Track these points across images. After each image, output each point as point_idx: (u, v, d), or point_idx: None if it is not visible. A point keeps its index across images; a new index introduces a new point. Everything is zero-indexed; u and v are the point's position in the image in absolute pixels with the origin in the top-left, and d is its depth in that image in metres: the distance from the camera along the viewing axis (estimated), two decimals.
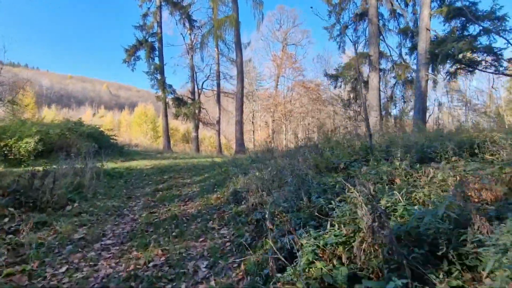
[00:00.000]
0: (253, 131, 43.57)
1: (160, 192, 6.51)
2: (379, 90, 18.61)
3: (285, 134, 40.61)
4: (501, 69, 14.04)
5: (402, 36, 18.97)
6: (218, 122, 26.97)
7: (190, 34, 26.32)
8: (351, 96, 20.04)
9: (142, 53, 23.42)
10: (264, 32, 42.73)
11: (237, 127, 21.79)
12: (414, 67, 18.50)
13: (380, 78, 18.57)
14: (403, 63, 19.47)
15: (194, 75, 26.47)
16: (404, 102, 20.77)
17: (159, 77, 23.05)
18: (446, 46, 12.27)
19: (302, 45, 43.08)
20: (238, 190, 5.38)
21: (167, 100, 23.39)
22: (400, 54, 20.02)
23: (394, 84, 20.37)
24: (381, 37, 19.35)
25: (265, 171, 5.76)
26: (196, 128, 25.81)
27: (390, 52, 19.78)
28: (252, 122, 43.64)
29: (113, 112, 61.27)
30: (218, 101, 27.24)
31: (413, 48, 16.87)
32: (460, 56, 12.90)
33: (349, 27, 19.90)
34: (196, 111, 25.12)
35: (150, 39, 23.21)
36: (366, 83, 20.13)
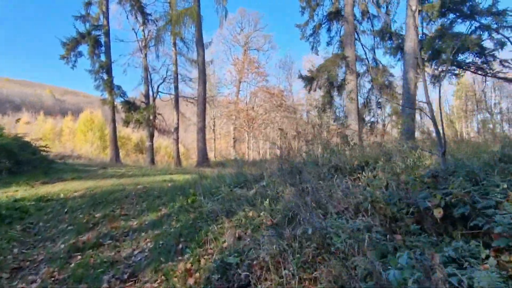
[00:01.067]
0: (214, 139, 40.60)
1: (80, 256, 3.63)
2: (357, 94, 16.96)
3: (247, 142, 38.23)
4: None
5: (379, 38, 17.56)
6: (176, 129, 23.79)
7: (143, 30, 23.05)
8: (326, 101, 18.18)
9: (84, 48, 19.76)
10: (225, 34, 40.34)
11: (199, 135, 18.93)
12: (392, 70, 17.17)
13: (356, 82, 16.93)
14: (379, 66, 18.07)
15: (148, 76, 23.16)
16: (380, 108, 19.38)
17: (105, 76, 19.50)
18: (445, 43, 10.68)
19: (264, 50, 41.34)
20: (228, 262, 2.73)
21: (115, 103, 19.86)
22: (374, 58, 18.68)
23: (370, 89, 18.89)
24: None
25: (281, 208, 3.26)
26: (151, 136, 22.44)
27: (366, 54, 18.31)
28: (213, 129, 40.69)
29: (55, 119, 54.67)
30: (176, 106, 24.12)
31: (397, 49, 15.38)
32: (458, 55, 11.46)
33: (322, 26, 18.12)
34: (151, 117, 21.80)
35: (94, 33, 19.62)
36: (340, 87, 18.47)
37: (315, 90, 17.54)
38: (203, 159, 18.69)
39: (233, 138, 40.47)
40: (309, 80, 16.84)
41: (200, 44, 19.17)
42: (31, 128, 47.73)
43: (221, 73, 42.68)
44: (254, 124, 37.68)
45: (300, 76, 16.80)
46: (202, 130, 18.95)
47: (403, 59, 13.11)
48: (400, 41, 15.90)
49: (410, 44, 12.68)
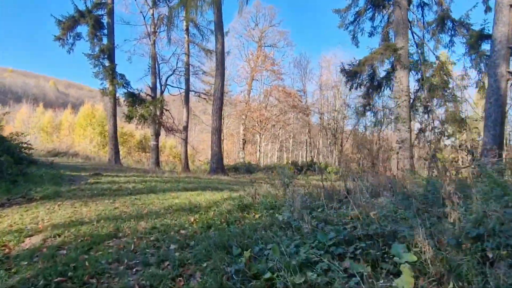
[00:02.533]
0: (222, 140, 37.45)
1: None
2: (409, 95, 13.89)
3: (259, 145, 35.13)
4: None
5: (437, 27, 14.47)
6: (186, 128, 20.76)
7: (152, 14, 20.02)
8: (366, 103, 15.09)
9: (84, 30, 16.76)
10: (238, 29, 37.24)
11: (214, 137, 15.86)
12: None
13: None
14: (434, 62, 14.97)
15: (157, 66, 20.12)
16: (428, 112, 16.25)
17: (106, 63, 16.48)
18: None
19: (279, 47, 38.17)
20: None
21: (117, 95, 16.82)
22: (430, 52, 15.55)
23: (417, 90, 15.77)
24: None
25: None
26: (157, 135, 19.39)
27: (416, 47, 15.17)
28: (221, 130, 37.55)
29: (55, 112, 51.74)
30: (187, 102, 21.09)
31: (480, 37, 12.23)
32: None
33: (367, 12, 15.04)
34: (158, 113, 18.77)
35: (96, 12, 16.60)
36: (378, 86, 15.41)
37: (358, 88, 14.42)
38: (218, 165, 15.61)
39: (243, 140, 37.33)
40: (351, 75, 13.77)
41: (220, 30, 16.12)
42: (30, 121, 44.80)
43: (233, 70, 39.71)
44: (267, 125, 34.62)
45: (343, 70, 13.70)
46: (217, 131, 15.88)
47: (491, 49, 9.99)
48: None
49: (503, 29, 9.60)
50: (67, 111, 39.95)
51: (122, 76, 16.54)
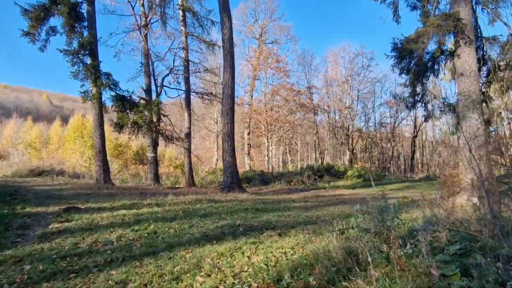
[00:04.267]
0: (217, 149, 33.70)
1: None
2: (478, 77, 10.64)
3: (267, 149, 31.76)
4: None
5: None
6: (188, 135, 17.39)
7: (142, 3, 16.72)
8: (415, 92, 11.81)
9: (59, 22, 13.38)
10: (237, 25, 34.00)
11: (225, 144, 12.51)
12: None
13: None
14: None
15: (150, 65, 16.78)
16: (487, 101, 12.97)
17: (88, 60, 13.11)
18: None
19: (282, 43, 34.91)
20: None
21: (103, 100, 13.43)
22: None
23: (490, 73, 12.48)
24: None
25: None
26: (154, 146, 16.01)
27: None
28: (217, 134, 33.88)
29: (46, 125, 48.14)
30: (188, 104, 17.73)
31: None
32: None
33: None
34: (154, 119, 15.40)
35: None
36: (428, 69, 12.15)
37: (408, 72, 11.15)
38: (233, 179, 12.25)
39: (248, 145, 33.94)
40: (401, 53, 10.49)
41: (225, 12, 12.85)
42: (17, 136, 41.13)
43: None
44: (274, 128, 31.31)
45: (395, 47, 10.41)
46: (230, 137, 12.54)
47: None
48: None
49: None
50: (56, 123, 36.44)
51: (108, 75, 13.14)
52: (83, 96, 12.69)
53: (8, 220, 6.00)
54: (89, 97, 12.72)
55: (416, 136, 37.03)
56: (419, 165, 40.91)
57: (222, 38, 12.84)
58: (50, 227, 5.58)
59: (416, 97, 11.86)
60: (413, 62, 11.55)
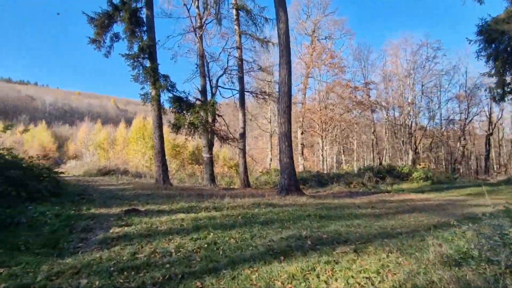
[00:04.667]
0: (271, 149, 32.92)
1: None
2: None
3: (322, 149, 30.46)
4: None
5: None
6: (243, 135, 17.09)
7: (197, 6, 16.79)
8: (506, 81, 9.98)
9: (120, 28, 13.93)
10: (289, 23, 33.01)
11: (283, 144, 11.85)
12: None
13: None
14: None
15: (205, 66, 16.79)
16: None
17: (147, 63, 13.40)
18: None
19: (334, 38, 33.20)
20: None
21: (161, 101, 13.63)
22: None
23: None
24: None
25: None
26: (210, 146, 15.96)
27: None
28: (270, 135, 33.17)
29: (114, 127, 52.08)
30: (242, 104, 17.45)
31: None
32: None
33: None
34: (209, 119, 15.33)
35: (133, 4, 13.66)
36: None
37: (495, 58, 9.44)
38: (291, 181, 11.55)
39: (301, 144, 32.91)
40: (490, 38, 8.88)
41: (281, 5, 12.21)
42: (88, 138, 44.98)
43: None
44: (329, 127, 29.91)
45: (481, 30, 8.85)
46: (287, 137, 11.85)
47: None
48: None
49: None
50: (121, 126, 39.04)
51: (166, 77, 13.31)
52: (143, 98, 12.98)
53: (74, 222, 6.01)
54: (149, 99, 12.97)
55: (491, 134, 32.81)
56: (495, 166, 36.26)
57: (278, 33, 12.20)
58: (111, 231, 5.42)
59: (505, 88, 10.02)
60: (501, 46, 9.78)
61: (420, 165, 29.65)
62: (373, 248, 4.57)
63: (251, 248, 4.47)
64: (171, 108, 13.68)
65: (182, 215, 6.77)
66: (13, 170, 7.69)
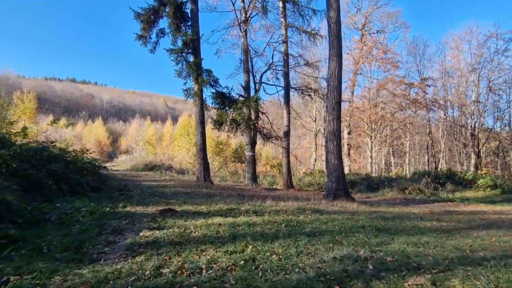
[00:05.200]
0: (315, 149, 31.29)
1: None
2: None
3: (370, 150, 28.47)
4: None
5: None
6: (287, 134, 16.20)
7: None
8: None
9: (166, 24, 13.77)
10: None
11: (330, 144, 10.77)
12: None
13: None
14: None
15: (249, 61, 16.16)
16: None
17: (191, 58, 13.07)
18: None
19: (386, 32, 30.73)
20: None
21: (204, 97, 13.23)
22: None
23: None
24: None
25: None
26: (252, 144, 15.31)
27: None
28: (315, 134, 31.58)
29: (162, 124, 54.08)
30: (287, 101, 16.55)
31: None
32: None
33: None
34: (252, 116, 14.67)
35: None
36: None
37: None
38: (339, 185, 10.44)
39: (348, 145, 31.13)
40: None
41: None
42: (138, 134, 47.08)
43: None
44: (379, 127, 27.81)
45: None
46: (336, 136, 10.75)
47: None
48: None
49: None
50: (168, 122, 40.14)
51: (209, 72, 12.87)
52: (185, 93, 12.69)
53: (106, 221, 5.62)
54: (191, 95, 12.63)
55: None
56: None
57: (328, 22, 11.11)
58: (141, 234, 4.89)
59: None
60: None
61: (482, 170, 26.45)
62: (458, 282, 3.48)
63: (297, 269, 3.61)
64: (213, 103, 13.22)
65: (219, 219, 6.12)
66: (56, 163, 7.62)
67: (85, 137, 51.99)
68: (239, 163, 27.64)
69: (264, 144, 19.28)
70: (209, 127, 21.40)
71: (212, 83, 12.95)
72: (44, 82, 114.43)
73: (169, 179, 14.72)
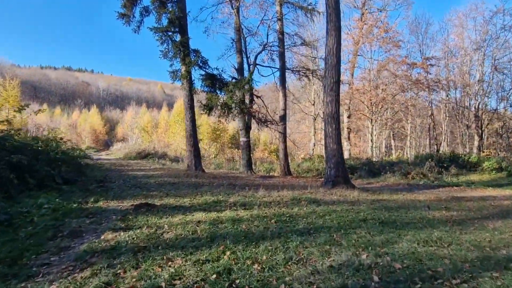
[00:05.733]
0: (314, 133, 30.19)
1: None
2: None
3: (371, 134, 27.59)
4: None
5: None
6: (283, 118, 15.32)
7: None
8: None
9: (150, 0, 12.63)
10: None
11: (329, 128, 9.92)
12: None
13: None
14: None
15: (242, 41, 15.10)
16: None
17: (178, 38, 12.04)
18: None
19: (388, 9, 29.24)
20: None
21: (192, 79, 12.28)
22: None
23: None
24: None
25: None
26: (247, 129, 14.45)
27: None
28: (314, 118, 30.49)
29: (159, 111, 52.98)
30: (283, 83, 15.58)
31: None
32: None
33: None
34: (246, 100, 13.76)
35: None
36: None
37: None
38: (338, 172, 9.64)
39: (347, 129, 30.24)
40: None
41: None
42: (134, 121, 46.10)
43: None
44: (380, 109, 26.84)
45: None
46: (334, 118, 9.88)
47: None
48: None
49: None
50: (163, 109, 39.16)
51: (197, 52, 11.86)
52: (172, 76, 11.72)
53: (67, 220, 4.84)
54: (178, 77, 11.67)
55: None
56: None
57: None
58: (102, 237, 4.11)
59: None
60: None
61: (484, 152, 25.65)
62: None
63: (283, 286, 2.82)
64: (203, 87, 12.27)
65: (200, 215, 5.35)
66: (21, 154, 6.78)
67: (80, 125, 51.07)
68: (236, 149, 26.85)
69: (259, 130, 18.31)
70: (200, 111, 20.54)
71: (201, 64, 11.98)
72: (39, 71, 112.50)
73: (159, 167, 13.94)
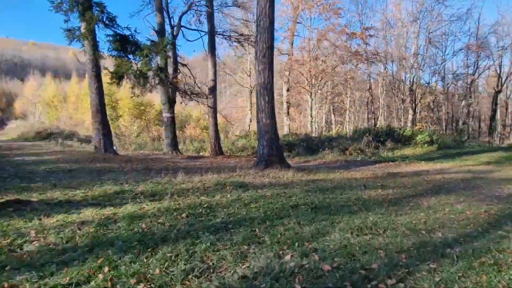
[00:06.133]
0: (250, 108, 29.71)
1: None
2: None
3: (311, 108, 28.12)
4: None
5: None
6: (213, 90, 14.44)
7: None
8: None
9: None
10: None
11: (261, 100, 9.40)
12: None
13: None
14: None
15: None
16: None
17: None
18: None
19: None
20: None
21: (97, 40, 10.65)
22: None
23: None
24: None
25: None
26: (171, 103, 13.32)
27: None
28: (250, 92, 29.98)
29: (68, 82, 47.56)
30: (212, 49, 14.57)
31: None
32: None
33: None
34: (170, 69, 12.53)
35: None
36: None
37: None
38: (272, 150, 9.27)
39: (287, 103, 30.54)
40: None
41: None
42: (37, 94, 40.74)
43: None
44: (319, 82, 27.36)
45: None
46: (267, 90, 9.37)
47: None
48: None
49: None
50: (73, 80, 35.24)
51: (101, 5, 10.19)
52: (67, 35, 9.97)
53: None
54: (76, 36, 9.97)
55: (500, 91, 31.30)
56: (499, 128, 35.23)
57: None
58: None
59: None
60: None
61: (416, 125, 28.07)
62: None
63: None
64: (110, 50, 10.72)
65: (90, 212, 4.45)
66: None
67: None
68: (163, 127, 25.31)
69: (184, 103, 16.89)
70: (125, 85, 18.60)
71: (107, 22, 10.38)
72: None
73: (59, 150, 12.16)
